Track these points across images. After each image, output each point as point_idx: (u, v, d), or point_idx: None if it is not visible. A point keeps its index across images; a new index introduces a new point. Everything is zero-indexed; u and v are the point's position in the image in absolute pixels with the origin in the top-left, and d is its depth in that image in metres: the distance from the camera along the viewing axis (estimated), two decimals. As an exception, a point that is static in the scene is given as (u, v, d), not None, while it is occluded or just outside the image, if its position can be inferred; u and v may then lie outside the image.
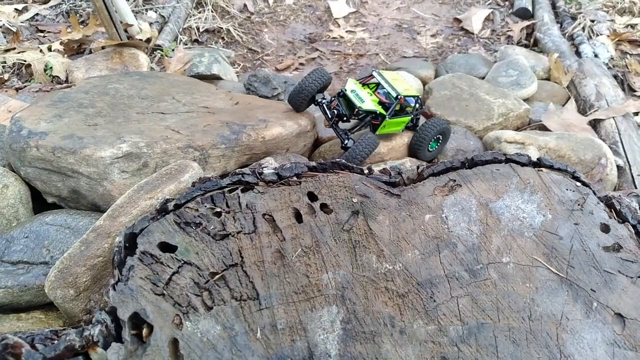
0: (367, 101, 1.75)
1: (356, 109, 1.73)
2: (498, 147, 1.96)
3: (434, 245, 0.88)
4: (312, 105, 1.86)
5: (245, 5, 3.54)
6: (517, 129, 2.26)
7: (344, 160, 1.09)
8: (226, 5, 3.41)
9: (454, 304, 0.81)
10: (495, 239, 0.89)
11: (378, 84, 1.88)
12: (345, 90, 1.78)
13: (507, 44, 3.20)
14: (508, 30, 3.32)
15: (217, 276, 0.85)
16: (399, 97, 1.78)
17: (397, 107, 1.85)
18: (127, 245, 0.90)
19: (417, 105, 1.95)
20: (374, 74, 1.88)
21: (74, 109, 1.60)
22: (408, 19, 3.57)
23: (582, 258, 0.89)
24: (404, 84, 1.90)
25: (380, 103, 1.80)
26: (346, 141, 1.75)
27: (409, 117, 1.88)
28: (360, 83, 1.87)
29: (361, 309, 0.80)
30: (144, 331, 0.77)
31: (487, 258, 0.87)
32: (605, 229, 0.94)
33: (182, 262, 0.86)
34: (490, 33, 3.35)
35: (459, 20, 3.46)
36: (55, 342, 0.85)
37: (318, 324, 0.78)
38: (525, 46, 3.13)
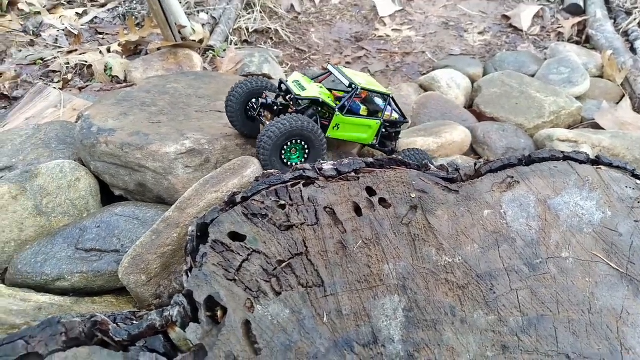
0: (311, 90, 1.42)
1: (294, 99, 1.39)
2: (550, 146, 1.94)
3: (493, 239, 0.90)
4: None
5: (292, 6, 3.61)
6: (569, 127, 2.22)
7: (400, 157, 1.12)
8: (274, 6, 3.48)
9: (514, 296, 0.83)
10: (554, 235, 0.91)
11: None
12: (286, 81, 1.46)
13: (558, 41, 3.14)
14: (559, 27, 3.26)
15: (284, 264, 0.90)
16: (354, 86, 1.44)
17: (365, 110, 1.53)
18: (199, 234, 0.96)
19: (392, 112, 1.57)
20: (329, 67, 1.56)
21: (138, 107, 1.70)
22: (455, 16, 3.55)
23: (643, 255, 0.89)
24: (368, 79, 1.60)
25: (337, 100, 1.48)
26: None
27: (377, 122, 1.51)
28: (312, 79, 1.54)
29: (422, 299, 0.83)
30: (219, 313, 0.83)
31: (546, 253, 0.88)
32: (667, 226, 0.94)
33: (251, 250, 0.92)
34: (540, 30, 3.29)
35: (507, 17, 3.42)
36: (134, 322, 0.93)
37: (381, 311, 0.82)
38: (577, 43, 3.07)
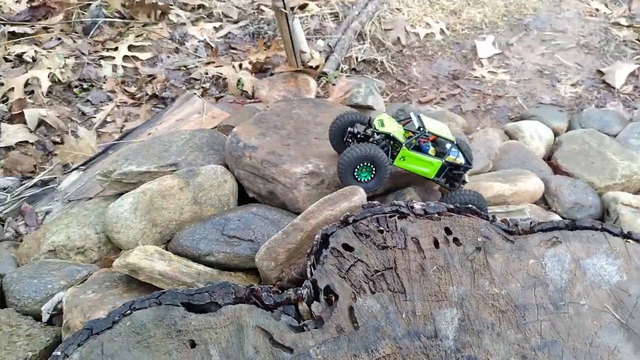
0: (389, 127, 1.77)
1: (372, 132, 1.77)
2: (614, 208, 2.19)
3: (532, 282, 1.25)
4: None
5: (398, 38, 3.99)
6: (638, 192, 2.44)
7: (473, 206, 1.48)
8: (382, 38, 3.89)
9: (538, 324, 1.18)
10: (578, 286, 1.24)
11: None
12: (373, 119, 1.83)
13: (649, 102, 3.28)
14: (652, 89, 3.40)
15: (379, 273, 1.30)
16: (422, 129, 1.78)
17: (433, 151, 1.84)
18: (321, 241, 1.39)
19: (458, 156, 1.86)
20: (411, 114, 1.91)
21: (272, 129, 2.17)
22: (550, 65, 3.77)
23: (645, 313, 1.20)
24: (441, 126, 1.89)
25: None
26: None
27: (438, 162, 1.83)
28: (398, 121, 1.91)
29: (473, 314, 1.20)
30: (333, 298, 1.25)
31: (569, 298, 1.22)
32: (672, 295, 1.24)
33: (357, 259, 1.33)
34: (633, 89, 3.44)
35: (601, 73, 3.59)
36: (271, 294, 1.37)
37: (443, 318, 1.20)
38: (668, 108, 3.20)
